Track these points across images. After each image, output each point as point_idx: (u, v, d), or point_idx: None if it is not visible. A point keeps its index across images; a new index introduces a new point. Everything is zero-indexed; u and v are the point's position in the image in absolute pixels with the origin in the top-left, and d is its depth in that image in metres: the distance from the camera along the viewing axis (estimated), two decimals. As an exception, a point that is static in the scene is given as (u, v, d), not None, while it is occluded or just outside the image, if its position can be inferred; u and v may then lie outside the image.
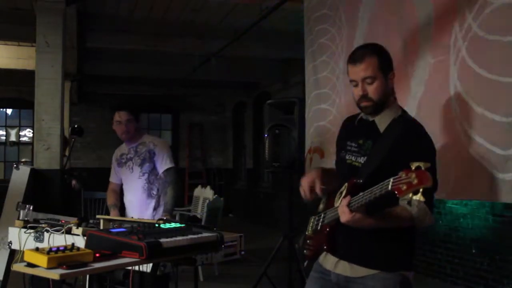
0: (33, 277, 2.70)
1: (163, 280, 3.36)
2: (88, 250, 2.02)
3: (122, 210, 3.92)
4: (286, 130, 4.42)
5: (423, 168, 1.60)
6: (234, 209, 12.34)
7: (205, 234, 2.40)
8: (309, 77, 4.59)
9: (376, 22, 3.60)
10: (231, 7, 6.63)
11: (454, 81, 2.80)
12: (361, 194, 1.84)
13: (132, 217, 3.33)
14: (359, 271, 2.07)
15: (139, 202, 3.82)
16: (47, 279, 2.18)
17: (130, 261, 2.08)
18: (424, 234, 5.80)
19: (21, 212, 2.85)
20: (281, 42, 7.71)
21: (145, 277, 3.04)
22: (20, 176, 4.66)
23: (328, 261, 2.19)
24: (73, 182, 7.06)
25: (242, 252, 2.79)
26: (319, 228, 2.16)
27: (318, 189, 2.17)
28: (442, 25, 2.92)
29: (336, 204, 2.03)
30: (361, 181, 1.99)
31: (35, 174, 4.82)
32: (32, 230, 2.59)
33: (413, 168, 1.61)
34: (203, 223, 5.96)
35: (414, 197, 1.60)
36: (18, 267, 1.99)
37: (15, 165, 4.78)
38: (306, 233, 2.27)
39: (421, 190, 1.58)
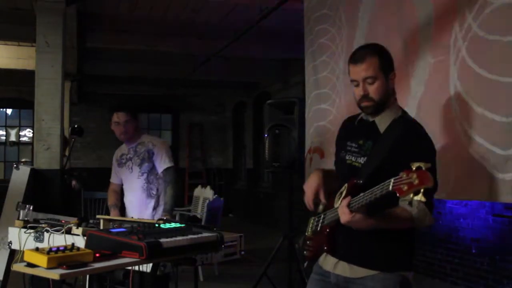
0: (33, 277, 2.70)
1: (163, 280, 3.36)
2: (88, 250, 2.02)
3: (123, 210, 3.93)
4: (286, 130, 4.42)
5: (424, 169, 1.60)
6: (234, 209, 12.34)
7: (205, 234, 2.40)
8: (309, 77, 4.59)
9: (376, 22, 3.60)
10: (231, 7, 6.63)
11: (454, 81, 2.79)
12: (361, 194, 1.83)
13: (132, 217, 3.34)
14: (359, 272, 2.07)
15: (138, 202, 3.82)
16: (47, 279, 2.18)
17: (130, 261, 2.08)
18: (424, 234, 5.79)
19: (21, 212, 2.85)
20: (281, 42, 7.71)
21: (145, 277, 3.04)
22: (20, 176, 4.66)
23: (327, 262, 2.18)
24: (73, 182, 7.06)
25: (242, 252, 2.79)
26: (319, 229, 2.16)
27: (322, 198, 2.17)
28: (442, 25, 2.92)
29: (336, 205, 2.03)
30: (361, 181, 1.98)
31: (35, 174, 4.82)
32: (32, 230, 2.59)
33: (414, 168, 1.61)
34: (203, 223, 5.96)
35: (415, 198, 1.59)
36: (18, 267, 1.99)
37: (15, 165, 4.78)
38: (306, 234, 2.26)
39: (422, 190, 1.58)
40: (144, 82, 11.02)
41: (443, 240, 5.71)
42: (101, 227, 2.70)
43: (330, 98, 4.16)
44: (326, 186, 2.19)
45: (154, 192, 3.81)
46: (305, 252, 2.25)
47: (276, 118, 4.56)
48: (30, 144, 11.71)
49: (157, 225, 2.46)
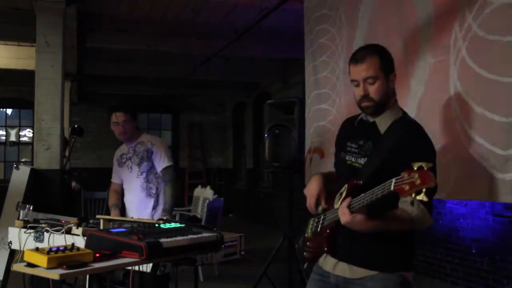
0: (33, 277, 2.70)
1: (163, 280, 3.36)
2: (88, 250, 2.02)
3: (124, 210, 3.94)
4: (286, 130, 4.42)
5: (425, 168, 1.59)
6: (234, 209, 12.34)
7: (205, 234, 2.40)
8: (309, 77, 4.59)
9: (376, 22, 3.60)
10: (231, 7, 6.63)
11: (454, 81, 2.80)
12: (362, 195, 1.83)
13: (132, 217, 3.34)
14: (358, 272, 2.07)
15: (138, 201, 3.83)
16: (47, 279, 2.18)
17: (130, 261, 2.08)
18: (424, 234, 5.79)
19: (21, 212, 2.85)
20: (281, 42, 7.71)
21: (145, 277, 3.04)
22: (20, 176, 4.66)
23: (327, 262, 2.18)
24: (73, 184, 7.07)
25: (242, 252, 2.79)
26: (319, 230, 2.16)
27: (323, 204, 2.17)
28: (442, 25, 2.92)
29: (336, 206, 2.03)
30: (361, 182, 1.98)
31: (35, 174, 4.83)
32: (32, 230, 2.59)
33: (416, 168, 1.60)
34: (203, 223, 5.96)
35: (418, 197, 1.59)
36: (18, 267, 1.99)
37: (15, 165, 4.78)
38: (306, 235, 2.26)
39: (424, 190, 1.57)
40: (144, 82, 11.02)
41: (443, 240, 5.71)
42: (101, 227, 2.70)
43: (330, 98, 4.16)
44: (326, 190, 2.19)
45: (154, 191, 3.81)
46: (305, 253, 2.24)
47: (276, 118, 4.56)
48: (30, 144, 11.72)
49: (157, 225, 2.46)
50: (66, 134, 6.64)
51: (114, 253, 2.08)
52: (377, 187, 1.75)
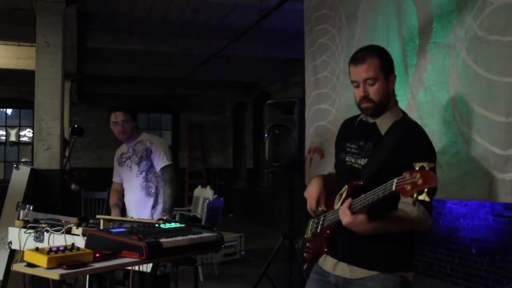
0: (33, 277, 2.70)
1: (163, 280, 3.36)
2: (88, 250, 2.02)
3: (124, 210, 3.94)
4: (286, 130, 4.42)
5: (427, 168, 1.59)
6: (234, 209, 12.34)
7: (205, 234, 2.40)
8: (309, 77, 4.59)
9: (376, 22, 3.60)
10: (231, 7, 6.63)
11: (454, 81, 2.79)
12: (363, 195, 1.82)
13: (132, 217, 3.33)
14: (358, 273, 2.07)
15: (137, 201, 3.83)
16: (47, 279, 2.18)
17: (130, 261, 2.08)
18: (424, 234, 5.79)
19: (21, 212, 2.86)
20: (281, 42, 7.71)
21: (145, 277, 3.04)
22: (20, 176, 4.66)
23: (327, 263, 2.18)
24: (73, 185, 7.06)
25: (242, 252, 2.79)
26: (318, 230, 2.15)
27: (323, 206, 2.17)
28: (442, 25, 2.92)
29: (336, 206, 2.03)
30: (361, 183, 1.97)
31: (35, 174, 4.83)
32: (32, 230, 2.59)
33: (417, 168, 1.60)
34: (203, 223, 5.96)
35: (419, 197, 1.58)
36: (18, 267, 1.99)
37: (15, 165, 4.78)
38: (305, 236, 2.26)
39: (426, 190, 1.57)
40: (144, 82, 11.02)
41: (443, 240, 5.71)
42: (101, 227, 2.70)
43: (330, 98, 4.16)
44: (327, 193, 2.18)
45: (153, 191, 3.81)
46: (304, 254, 2.24)
47: (276, 118, 4.56)
48: (30, 144, 11.72)
49: (157, 225, 2.46)
50: (66, 134, 6.65)
51: (114, 253, 2.09)
52: (378, 187, 1.74)
